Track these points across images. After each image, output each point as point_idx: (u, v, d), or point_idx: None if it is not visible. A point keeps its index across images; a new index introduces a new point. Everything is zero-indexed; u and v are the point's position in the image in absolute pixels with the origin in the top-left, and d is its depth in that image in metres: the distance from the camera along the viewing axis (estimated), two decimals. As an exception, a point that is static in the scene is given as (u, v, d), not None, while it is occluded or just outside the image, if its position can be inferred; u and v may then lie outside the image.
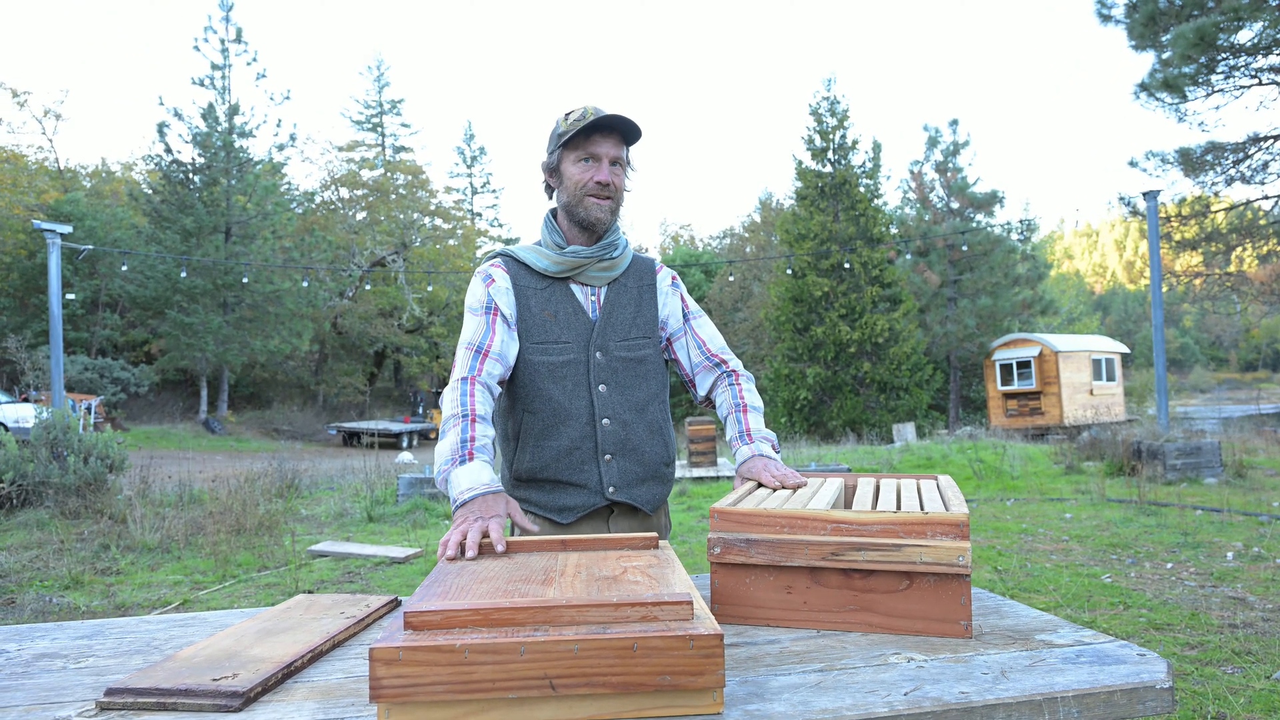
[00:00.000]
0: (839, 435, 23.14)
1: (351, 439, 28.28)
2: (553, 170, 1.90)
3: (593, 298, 1.91)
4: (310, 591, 5.42)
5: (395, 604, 1.57)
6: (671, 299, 2.01)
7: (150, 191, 29.09)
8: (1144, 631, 4.00)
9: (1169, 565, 5.41)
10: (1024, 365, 24.68)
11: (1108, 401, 25.06)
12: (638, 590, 1.18)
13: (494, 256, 1.95)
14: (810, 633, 1.34)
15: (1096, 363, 25.06)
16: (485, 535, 1.47)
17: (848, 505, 1.72)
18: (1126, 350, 27.30)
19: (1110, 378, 25.56)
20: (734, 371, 2.01)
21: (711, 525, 1.41)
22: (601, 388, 1.86)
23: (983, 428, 21.88)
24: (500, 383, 1.82)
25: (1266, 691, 3.11)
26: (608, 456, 1.85)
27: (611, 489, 1.85)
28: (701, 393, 2.04)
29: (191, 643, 1.38)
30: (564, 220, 1.90)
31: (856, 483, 1.80)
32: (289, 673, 1.17)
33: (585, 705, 0.99)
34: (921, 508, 1.38)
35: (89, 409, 22.50)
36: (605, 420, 1.85)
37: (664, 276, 2.03)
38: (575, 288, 1.90)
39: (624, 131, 1.85)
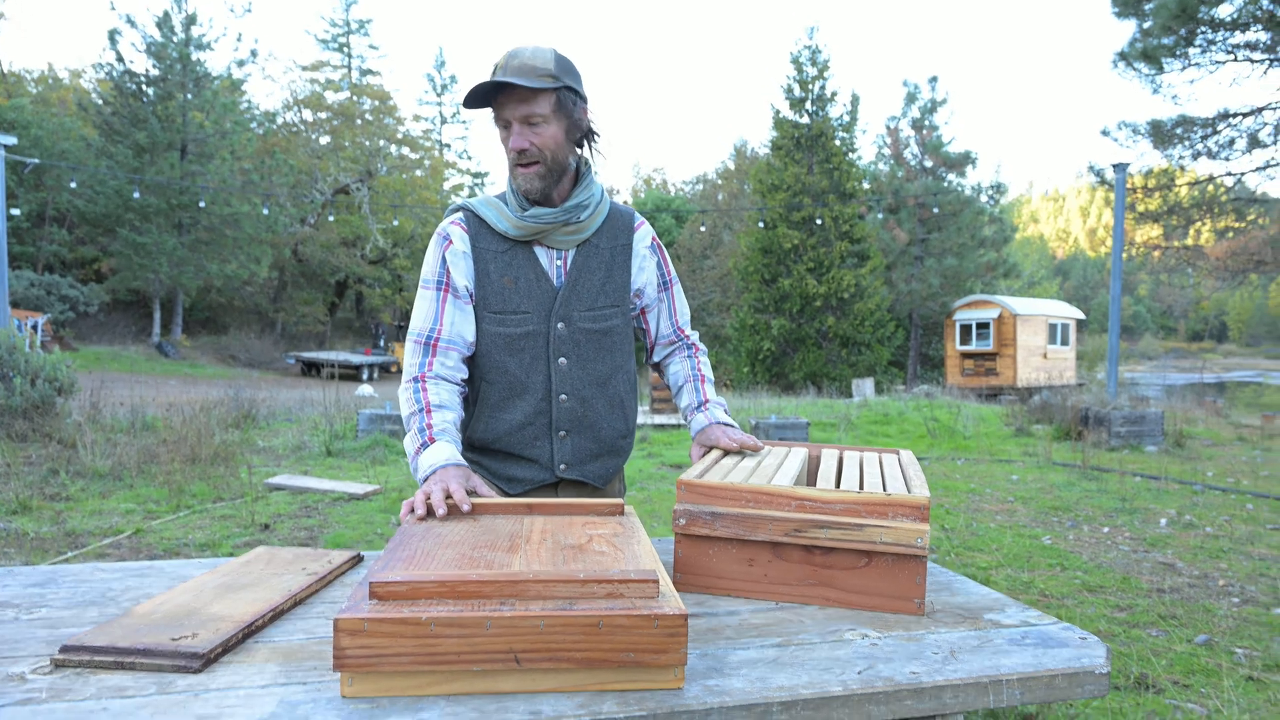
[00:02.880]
0: (799, 388, 23.43)
1: (310, 369, 27.96)
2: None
3: (558, 262, 1.78)
4: (267, 525, 5.41)
5: (358, 559, 1.56)
6: (649, 264, 1.89)
7: (101, 102, 27.88)
8: (1078, 593, 4.16)
9: (1106, 529, 5.62)
10: (983, 326, 25.12)
11: (1060, 365, 25.67)
12: (604, 562, 1.19)
13: (455, 210, 1.82)
14: (769, 605, 1.37)
15: (1053, 327, 25.59)
16: (449, 496, 1.47)
17: (811, 478, 1.75)
18: (1082, 316, 27.89)
19: (1064, 342, 26.15)
20: (694, 345, 1.99)
21: (678, 497, 1.42)
22: (561, 361, 1.77)
23: (939, 386, 22.31)
24: (465, 360, 1.76)
25: (1187, 655, 3.27)
26: (562, 433, 1.79)
27: (563, 466, 1.80)
28: (655, 359, 2.01)
29: (149, 594, 1.37)
30: None
31: (820, 454, 1.83)
32: (249, 632, 1.17)
33: (548, 678, 1.00)
34: (884, 488, 1.41)
35: (35, 327, 21.90)
36: (563, 396, 1.77)
37: (642, 236, 1.88)
38: (539, 250, 1.77)
39: (526, 88, 1.61)
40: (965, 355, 25.60)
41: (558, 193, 1.73)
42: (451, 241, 1.75)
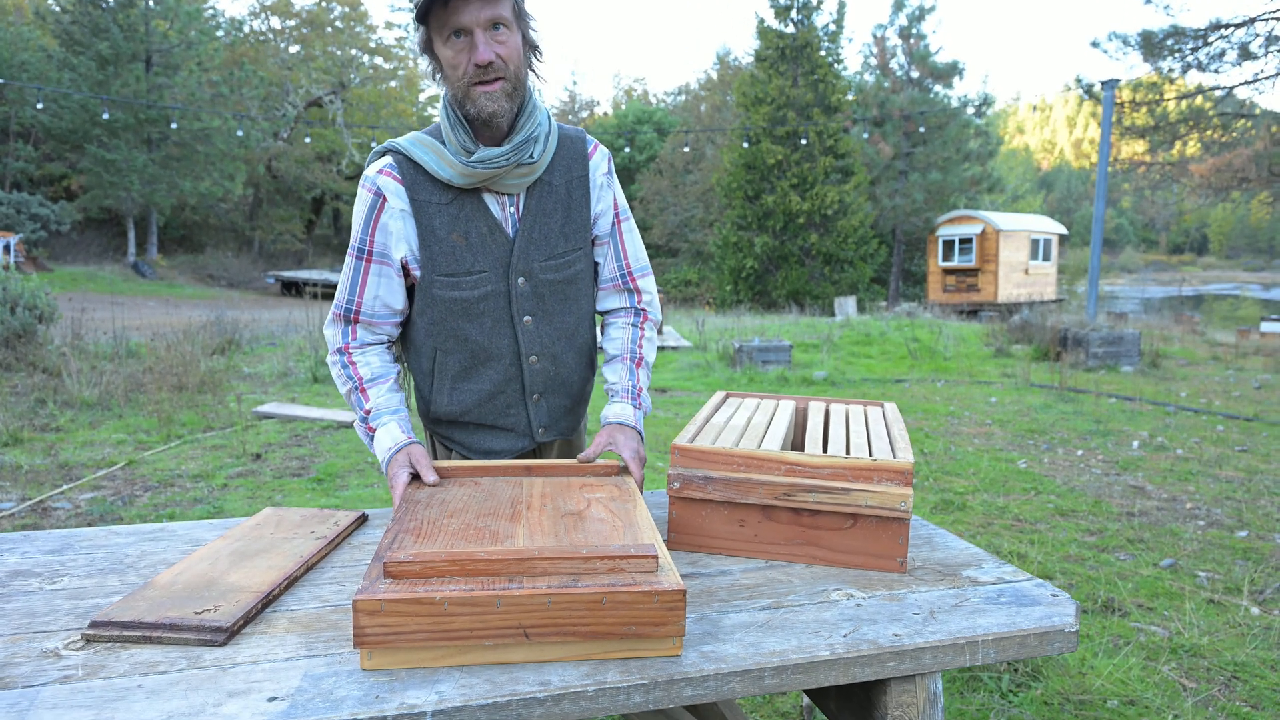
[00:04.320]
0: (782, 306, 23.51)
1: (290, 288, 27.68)
2: (425, 50, 1.52)
3: (510, 208, 1.59)
4: (259, 455, 5.48)
5: (363, 520, 1.62)
6: (606, 195, 1.70)
7: (59, 10, 26.63)
8: (1051, 517, 4.33)
9: (1080, 452, 5.80)
10: (966, 242, 25.13)
11: (1041, 281, 25.85)
12: (604, 532, 1.25)
13: (382, 153, 1.58)
14: (760, 563, 1.44)
15: (1035, 243, 25.65)
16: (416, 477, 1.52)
17: (799, 434, 1.81)
18: (1064, 231, 27.93)
19: (1046, 258, 26.26)
20: (643, 310, 1.80)
21: (672, 461, 1.47)
22: (527, 319, 1.63)
23: (920, 304, 22.46)
24: (396, 325, 1.65)
25: (1152, 578, 3.44)
26: (536, 396, 1.69)
27: (541, 430, 1.72)
28: (600, 307, 1.81)
29: (165, 559, 1.42)
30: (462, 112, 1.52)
31: (807, 408, 1.88)
32: (268, 602, 1.22)
33: (555, 649, 1.07)
34: (869, 452, 1.46)
35: (7, 247, 21.48)
36: (533, 358, 1.66)
37: (598, 162, 1.68)
38: (488, 197, 1.58)
39: None
40: (947, 271, 25.69)
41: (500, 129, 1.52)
42: (385, 199, 1.54)
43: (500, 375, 1.65)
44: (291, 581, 1.31)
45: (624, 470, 1.60)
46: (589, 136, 1.70)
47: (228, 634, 1.11)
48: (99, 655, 1.07)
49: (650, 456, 5.50)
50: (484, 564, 1.09)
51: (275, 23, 37.81)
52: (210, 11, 31.63)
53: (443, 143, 1.53)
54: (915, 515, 1.71)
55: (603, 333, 1.83)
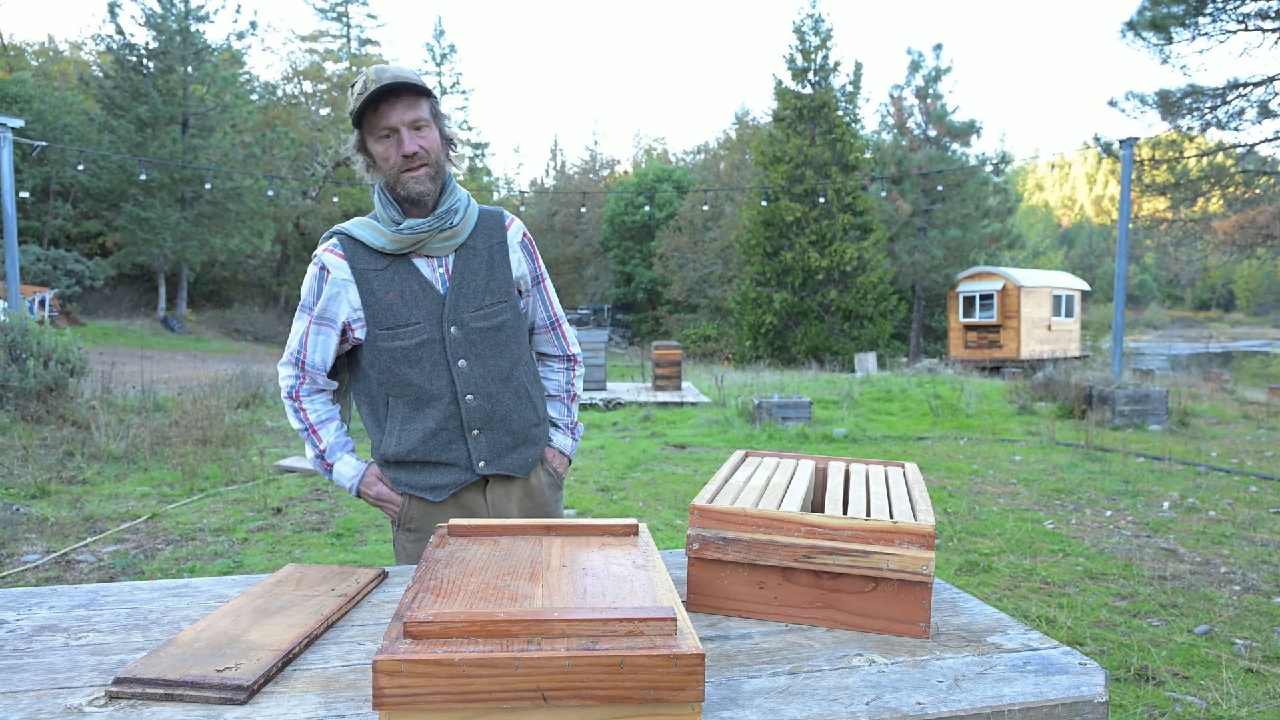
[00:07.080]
0: (801, 362, 23.46)
1: (315, 343, 28.02)
2: (361, 150, 1.83)
3: (440, 269, 1.84)
4: (279, 509, 5.50)
5: (383, 576, 1.62)
6: (524, 257, 1.97)
7: (102, 76, 27.72)
8: (1080, 580, 4.24)
9: (1108, 513, 5.69)
10: (987, 298, 25.08)
11: (1064, 338, 25.66)
12: (622, 594, 1.25)
13: (329, 237, 1.86)
14: (779, 626, 1.43)
15: (1057, 299, 25.54)
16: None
17: (819, 493, 1.80)
18: (1087, 288, 27.81)
19: (1069, 314, 26.12)
20: (574, 356, 2.10)
21: (691, 521, 1.48)
22: (461, 363, 1.83)
23: (941, 360, 22.34)
24: (328, 378, 1.90)
25: (1187, 645, 3.35)
26: (475, 432, 1.87)
27: (482, 464, 1.89)
28: (537, 350, 2.10)
29: (188, 616, 1.43)
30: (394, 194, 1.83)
31: (827, 467, 1.88)
32: (288, 660, 1.23)
33: (573, 714, 1.06)
34: (890, 514, 1.46)
35: (42, 302, 21.99)
36: (469, 396, 1.85)
37: (515, 232, 1.96)
38: (419, 262, 1.83)
39: (414, 89, 1.73)
40: (968, 328, 25.59)
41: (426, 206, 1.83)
42: (329, 271, 1.82)
43: (441, 414, 1.84)
44: (312, 640, 1.31)
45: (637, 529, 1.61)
46: (506, 213, 1.99)
47: (248, 693, 1.11)
48: (122, 712, 1.07)
49: (669, 514, 5.46)
50: (503, 625, 1.09)
51: (307, 86, 39.09)
52: (246, 77, 32.78)
53: (378, 221, 1.82)
54: (939, 578, 1.69)
55: (542, 371, 2.12)
